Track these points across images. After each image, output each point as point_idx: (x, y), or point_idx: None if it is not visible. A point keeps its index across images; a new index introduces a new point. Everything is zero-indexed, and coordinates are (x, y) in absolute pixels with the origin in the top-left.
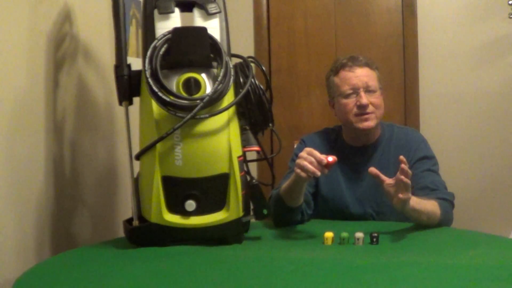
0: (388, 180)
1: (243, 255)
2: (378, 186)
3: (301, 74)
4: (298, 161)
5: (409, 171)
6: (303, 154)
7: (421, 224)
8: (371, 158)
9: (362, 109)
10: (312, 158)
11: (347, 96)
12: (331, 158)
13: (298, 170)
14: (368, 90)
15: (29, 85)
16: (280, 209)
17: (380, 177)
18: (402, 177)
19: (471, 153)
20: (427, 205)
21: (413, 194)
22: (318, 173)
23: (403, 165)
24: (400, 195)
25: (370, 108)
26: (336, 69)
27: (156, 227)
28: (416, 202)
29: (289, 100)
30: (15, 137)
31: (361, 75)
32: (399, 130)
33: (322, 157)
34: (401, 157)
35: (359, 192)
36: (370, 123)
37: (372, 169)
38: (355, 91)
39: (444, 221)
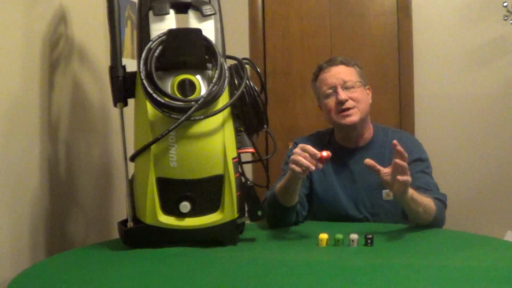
0: (384, 170)
1: (237, 256)
2: (372, 187)
3: (296, 75)
4: (292, 157)
5: (405, 154)
6: (297, 150)
7: (417, 218)
8: (364, 159)
9: (341, 105)
10: (306, 154)
11: (327, 96)
12: (325, 153)
13: (293, 165)
14: (345, 86)
15: (23, 86)
16: (274, 209)
17: (376, 167)
18: (398, 160)
19: (466, 155)
20: (424, 199)
21: None
22: (313, 167)
23: (398, 147)
24: (399, 177)
25: (350, 103)
26: (315, 74)
27: (151, 228)
28: (414, 192)
29: (284, 101)
30: (9, 138)
31: (337, 73)
32: (394, 133)
33: (316, 151)
34: (395, 141)
35: (353, 194)
36: (353, 118)
37: (368, 160)
38: (334, 89)
39: (438, 219)
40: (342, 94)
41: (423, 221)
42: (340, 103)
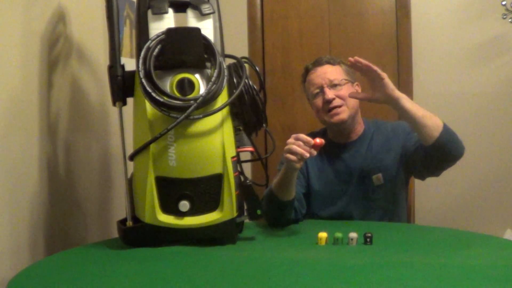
0: (368, 94)
1: (237, 255)
2: (364, 176)
3: (295, 74)
4: (286, 147)
5: (359, 58)
6: (290, 140)
7: (424, 126)
8: (358, 152)
9: (328, 104)
10: (299, 142)
11: (315, 96)
12: (318, 140)
13: (288, 154)
14: (332, 85)
15: (22, 85)
16: (273, 205)
17: (362, 62)
18: (363, 66)
19: (464, 153)
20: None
21: (414, 155)
22: (307, 154)
23: (353, 59)
24: (362, 62)
25: (338, 101)
26: (303, 76)
27: (150, 227)
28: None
29: (283, 100)
30: (9, 137)
31: (323, 73)
32: (384, 123)
33: (309, 138)
34: (350, 58)
35: (349, 186)
36: (341, 116)
37: (350, 59)
38: (320, 89)
39: (452, 134)
40: (329, 93)
41: (432, 128)
42: (327, 102)
